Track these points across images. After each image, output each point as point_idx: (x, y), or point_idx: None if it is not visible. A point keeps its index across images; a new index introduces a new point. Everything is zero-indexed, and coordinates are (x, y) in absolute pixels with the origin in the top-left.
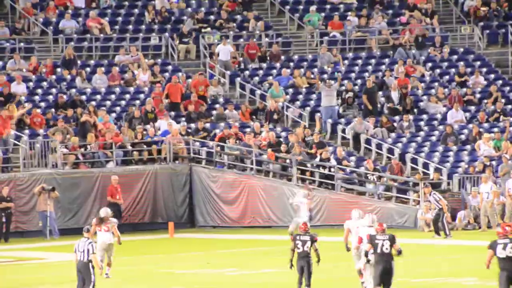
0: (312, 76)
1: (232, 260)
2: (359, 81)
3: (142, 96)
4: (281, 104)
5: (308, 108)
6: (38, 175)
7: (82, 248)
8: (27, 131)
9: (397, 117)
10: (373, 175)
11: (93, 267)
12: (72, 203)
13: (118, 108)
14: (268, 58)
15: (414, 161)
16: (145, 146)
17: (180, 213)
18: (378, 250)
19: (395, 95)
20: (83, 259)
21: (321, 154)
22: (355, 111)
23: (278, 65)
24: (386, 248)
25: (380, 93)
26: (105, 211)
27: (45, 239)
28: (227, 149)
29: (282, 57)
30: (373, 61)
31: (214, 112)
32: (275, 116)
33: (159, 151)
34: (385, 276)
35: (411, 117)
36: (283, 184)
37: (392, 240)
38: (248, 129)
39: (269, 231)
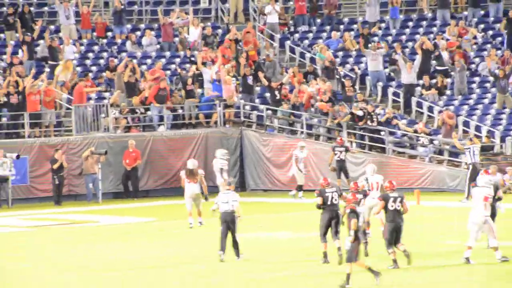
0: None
1: (284, 223)
2: (410, 44)
3: (192, 59)
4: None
5: (358, 71)
6: (90, 139)
7: (226, 199)
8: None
9: (448, 80)
10: (424, 138)
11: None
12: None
13: (168, 72)
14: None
15: (466, 124)
16: (196, 110)
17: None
18: (390, 208)
19: (445, 56)
20: (229, 209)
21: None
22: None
23: (328, 27)
24: (398, 206)
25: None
26: (192, 163)
27: (88, 203)
28: (279, 113)
29: (333, 20)
30: (424, 23)
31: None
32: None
33: (209, 115)
34: (395, 233)
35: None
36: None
37: (402, 200)
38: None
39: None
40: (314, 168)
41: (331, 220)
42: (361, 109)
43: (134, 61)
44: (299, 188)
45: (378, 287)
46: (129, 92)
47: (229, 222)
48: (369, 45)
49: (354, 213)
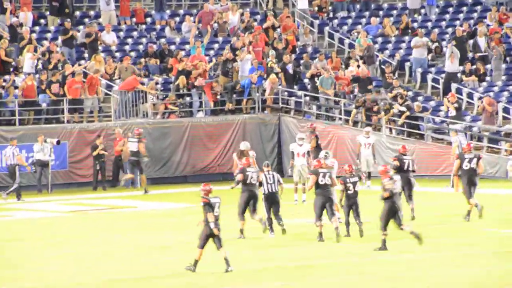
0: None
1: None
2: (449, 30)
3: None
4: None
5: (397, 57)
6: (129, 125)
7: (271, 180)
8: (118, 81)
9: (488, 66)
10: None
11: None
12: (163, 153)
13: (206, 58)
14: None
15: (506, 110)
16: (235, 96)
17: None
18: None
19: (482, 43)
20: (272, 189)
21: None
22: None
23: (367, 13)
24: (394, 189)
25: (471, 41)
26: (244, 145)
27: (127, 188)
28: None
29: (372, 6)
30: (464, 8)
31: (301, 62)
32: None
33: (247, 101)
34: (393, 215)
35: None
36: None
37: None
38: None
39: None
40: (352, 154)
41: (250, 200)
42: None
43: (173, 47)
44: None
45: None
46: (176, 78)
47: (273, 202)
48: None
49: (208, 206)
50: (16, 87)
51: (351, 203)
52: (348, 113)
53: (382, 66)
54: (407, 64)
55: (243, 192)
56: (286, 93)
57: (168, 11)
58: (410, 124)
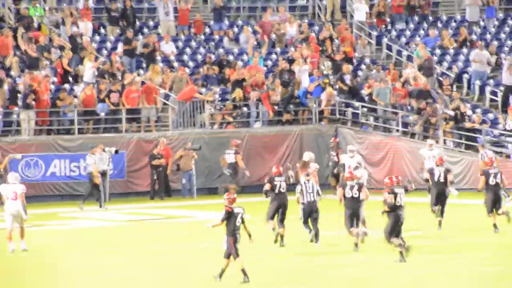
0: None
1: (375, 221)
2: (509, 42)
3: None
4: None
5: (455, 69)
6: (186, 134)
7: (310, 189)
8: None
9: None
10: None
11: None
12: (220, 163)
13: (264, 69)
14: (416, 8)
15: None
16: (292, 106)
17: (326, 174)
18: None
19: None
20: (311, 198)
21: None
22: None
23: (426, 25)
24: (400, 199)
25: None
26: (308, 155)
27: (183, 198)
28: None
29: (430, 18)
30: None
31: (359, 73)
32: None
33: (304, 112)
34: (397, 227)
35: None
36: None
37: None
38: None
39: (413, 194)
40: (409, 166)
41: (279, 208)
42: (453, 110)
43: (231, 57)
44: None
45: None
46: (232, 88)
47: (312, 212)
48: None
49: (228, 214)
50: (75, 97)
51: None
52: (405, 124)
53: (440, 78)
54: (465, 76)
55: (272, 201)
56: (343, 104)
57: (226, 22)
58: (467, 136)
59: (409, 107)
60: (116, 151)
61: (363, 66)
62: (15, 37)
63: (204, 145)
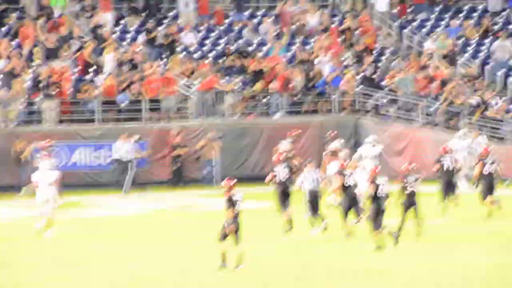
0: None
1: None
2: None
3: (308, 45)
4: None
5: (477, 60)
6: (207, 124)
7: (313, 178)
8: (195, 82)
9: None
10: None
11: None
12: (240, 152)
13: (284, 60)
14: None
15: None
16: (310, 97)
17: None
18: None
19: None
20: (314, 187)
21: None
22: None
23: (447, 16)
24: (382, 190)
25: None
26: (334, 145)
27: (204, 187)
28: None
29: (452, 8)
30: None
31: (380, 64)
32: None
33: (324, 102)
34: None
35: None
36: (451, 136)
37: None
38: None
39: (436, 183)
40: (428, 156)
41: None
42: (476, 99)
43: (251, 48)
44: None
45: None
46: (254, 78)
47: (314, 200)
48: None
49: (229, 201)
50: (96, 87)
51: (410, 203)
52: (427, 114)
53: (463, 69)
54: (488, 67)
55: (276, 189)
56: (364, 94)
57: (246, 12)
58: (490, 127)
59: (430, 98)
60: (139, 139)
61: (383, 57)
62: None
63: (225, 135)
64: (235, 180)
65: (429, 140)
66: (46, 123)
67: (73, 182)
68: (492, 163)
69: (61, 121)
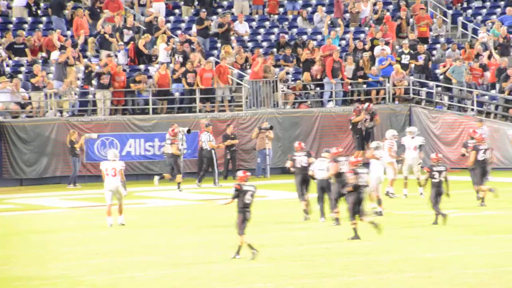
0: None
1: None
2: None
3: (362, 35)
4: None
5: None
6: (260, 114)
7: (323, 167)
8: (249, 71)
9: None
10: None
11: None
12: (293, 142)
13: (339, 48)
14: None
15: None
16: (364, 86)
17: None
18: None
19: None
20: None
21: None
22: None
23: (502, 3)
24: (363, 178)
25: None
26: (390, 133)
27: (257, 177)
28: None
29: None
30: None
31: (434, 52)
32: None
33: (378, 91)
34: (358, 206)
35: None
36: (504, 125)
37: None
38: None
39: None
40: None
41: (303, 182)
42: None
43: (304, 37)
44: None
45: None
46: (303, 69)
47: (325, 188)
48: None
49: (237, 191)
50: (150, 77)
51: (437, 193)
52: (480, 104)
53: None
54: None
55: (296, 176)
56: (418, 83)
57: (300, 1)
58: None
59: (484, 86)
60: (189, 131)
61: (438, 45)
62: (91, 16)
63: (277, 125)
64: (249, 173)
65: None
66: (100, 113)
67: (126, 172)
68: (486, 150)
69: (114, 112)
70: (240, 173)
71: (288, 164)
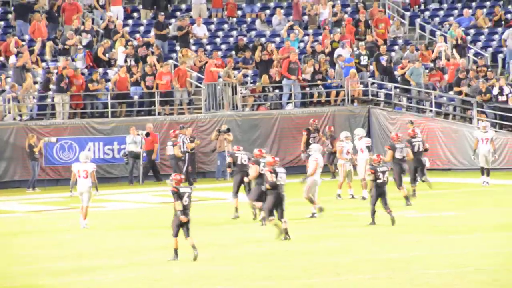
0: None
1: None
2: None
3: (321, 37)
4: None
5: (490, 49)
6: (219, 117)
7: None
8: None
9: None
10: None
11: None
12: (252, 144)
13: (297, 51)
14: None
15: None
16: (322, 88)
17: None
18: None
19: None
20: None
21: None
22: None
23: (459, 5)
24: (281, 178)
25: None
26: (360, 131)
27: (217, 180)
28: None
29: None
30: None
31: (392, 54)
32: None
33: (337, 93)
34: (276, 205)
35: None
36: (463, 126)
37: None
38: (427, 71)
39: (448, 174)
40: (442, 146)
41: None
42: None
43: (263, 39)
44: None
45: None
46: (261, 71)
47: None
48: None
49: (176, 194)
50: (108, 80)
51: (380, 192)
52: (438, 105)
53: (475, 58)
54: (500, 55)
55: (235, 174)
56: (375, 85)
57: (258, 4)
58: (502, 116)
59: (442, 88)
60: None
61: (396, 47)
62: (48, 20)
63: (236, 127)
64: (183, 176)
65: (440, 130)
66: (59, 117)
67: None
68: (403, 148)
69: (73, 115)
70: (177, 176)
71: (228, 159)
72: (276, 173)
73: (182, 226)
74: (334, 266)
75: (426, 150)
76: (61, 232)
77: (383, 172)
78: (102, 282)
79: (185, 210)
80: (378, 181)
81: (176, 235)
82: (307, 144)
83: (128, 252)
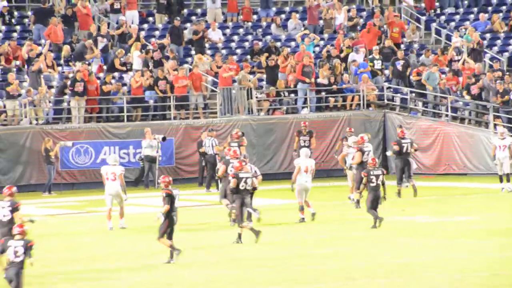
0: None
1: (425, 207)
2: None
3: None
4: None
5: (506, 54)
6: (234, 121)
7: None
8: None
9: None
10: None
11: None
12: (267, 149)
13: (312, 55)
14: None
15: None
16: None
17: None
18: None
19: None
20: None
21: None
22: None
23: (475, 9)
24: (246, 183)
25: None
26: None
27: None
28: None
29: (481, 1)
30: None
31: (407, 57)
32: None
33: (352, 98)
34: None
35: None
36: (479, 131)
37: None
38: (443, 75)
39: (464, 179)
40: (458, 151)
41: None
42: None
43: (278, 43)
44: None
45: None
46: (272, 76)
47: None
48: None
49: (169, 197)
50: (124, 85)
51: (374, 196)
52: (454, 109)
53: (491, 63)
54: None
55: (225, 180)
56: (392, 89)
57: (274, 8)
58: None
59: (458, 92)
60: (164, 138)
61: (411, 52)
62: (65, 24)
63: (251, 132)
64: (172, 178)
65: (456, 135)
66: (75, 121)
67: (101, 180)
68: (370, 152)
69: (89, 119)
70: (166, 179)
71: (220, 168)
72: (239, 179)
73: (168, 228)
74: (336, 272)
75: (416, 150)
76: (77, 235)
77: (377, 176)
78: (114, 285)
79: (173, 212)
80: (371, 184)
81: (162, 236)
82: (300, 146)
83: (141, 256)
